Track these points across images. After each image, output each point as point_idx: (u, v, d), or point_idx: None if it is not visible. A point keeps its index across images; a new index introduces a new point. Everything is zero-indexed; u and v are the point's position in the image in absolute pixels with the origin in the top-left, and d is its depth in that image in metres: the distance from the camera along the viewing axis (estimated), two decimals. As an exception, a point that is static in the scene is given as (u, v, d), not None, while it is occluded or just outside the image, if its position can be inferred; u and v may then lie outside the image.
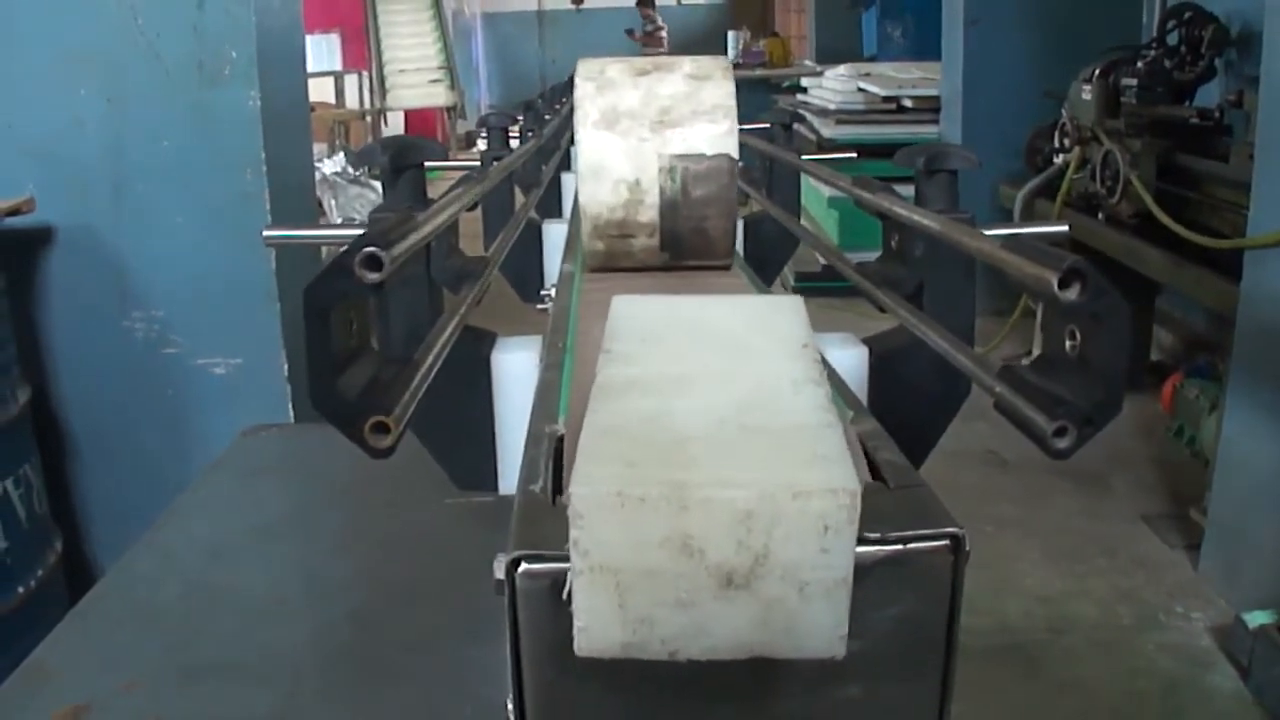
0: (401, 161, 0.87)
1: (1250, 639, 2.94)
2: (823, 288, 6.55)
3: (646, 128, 1.08)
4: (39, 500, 2.78)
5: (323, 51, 12.47)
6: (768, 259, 1.52)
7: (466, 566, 0.51)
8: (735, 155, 1.09)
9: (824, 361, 0.74)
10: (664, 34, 16.06)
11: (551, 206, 1.95)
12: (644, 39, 15.84)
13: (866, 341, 0.86)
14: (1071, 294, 0.55)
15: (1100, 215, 4.58)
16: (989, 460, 4.41)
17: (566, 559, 0.49)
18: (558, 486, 0.58)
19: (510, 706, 0.54)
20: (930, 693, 0.54)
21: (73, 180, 2.99)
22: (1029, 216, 5.19)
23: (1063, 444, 0.57)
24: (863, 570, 0.51)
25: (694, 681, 0.51)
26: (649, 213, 1.08)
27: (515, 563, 0.51)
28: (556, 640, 0.51)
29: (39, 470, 2.82)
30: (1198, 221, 3.91)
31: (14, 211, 2.82)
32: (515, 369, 0.83)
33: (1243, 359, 3.31)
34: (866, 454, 0.59)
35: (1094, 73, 4.64)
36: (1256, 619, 2.97)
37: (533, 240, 1.50)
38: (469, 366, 0.84)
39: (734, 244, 1.11)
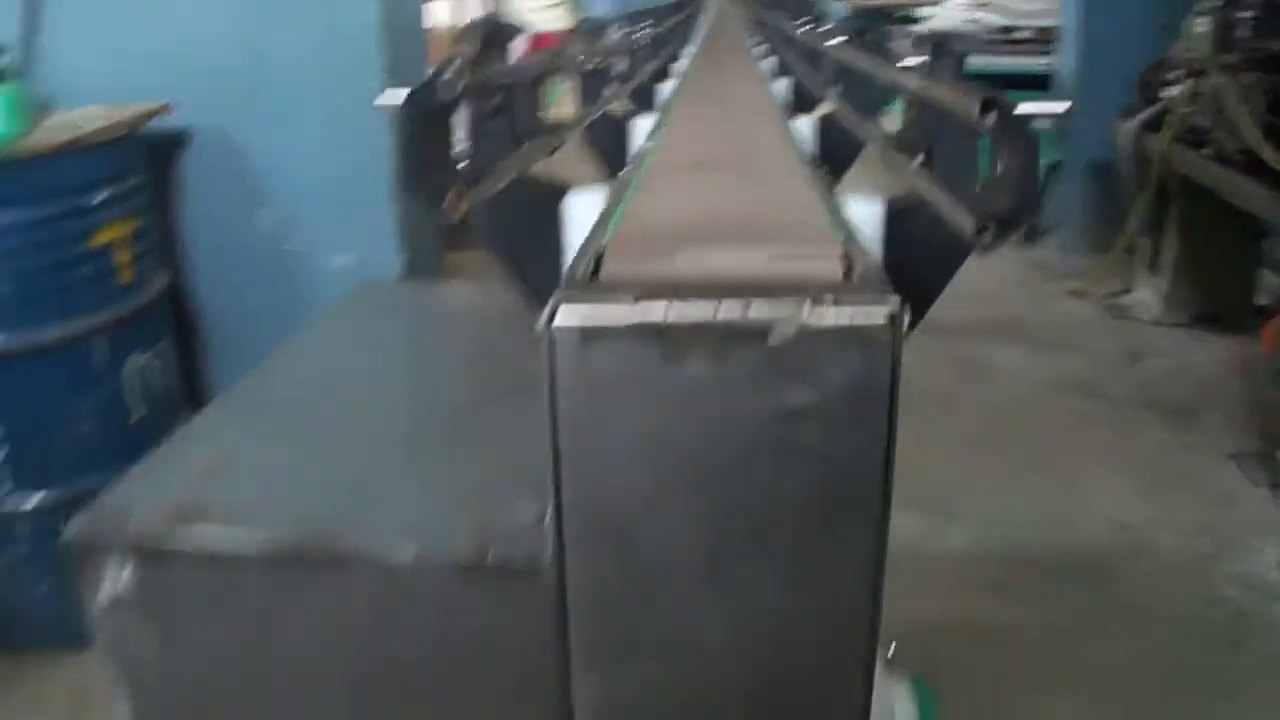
0: (491, 39, 1.02)
1: (1322, 575, 3.00)
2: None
3: None
4: (172, 375, 3.02)
5: (443, -24, 12.64)
6: (840, 157, 1.64)
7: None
8: None
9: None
10: None
11: (647, 105, 2.06)
12: None
13: (885, 199, 0.99)
14: (989, 120, 0.68)
15: (1208, 150, 4.57)
16: (1085, 390, 4.47)
17: (595, 310, 0.65)
18: (597, 273, 0.73)
19: (548, 439, 0.69)
20: (877, 439, 0.68)
21: (209, 86, 3.21)
22: (1138, 150, 5.18)
23: (984, 241, 0.70)
24: (820, 334, 0.65)
25: (704, 397, 0.66)
26: None
27: (554, 311, 0.66)
28: (584, 374, 0.66)
29: (174, 349, 3.06)
30: (1307, 160, 3.90)
31: (155, 114, 3.04)
32: (585, 212, 0.99)
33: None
34: (847, 259, 0.73)
35: (1210, 6, 4.62)
36: (1328, 555, 3.03)
37: (620, 131, 1.65)
38: (546, 210, 1.00)
39: None
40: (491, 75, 0.76)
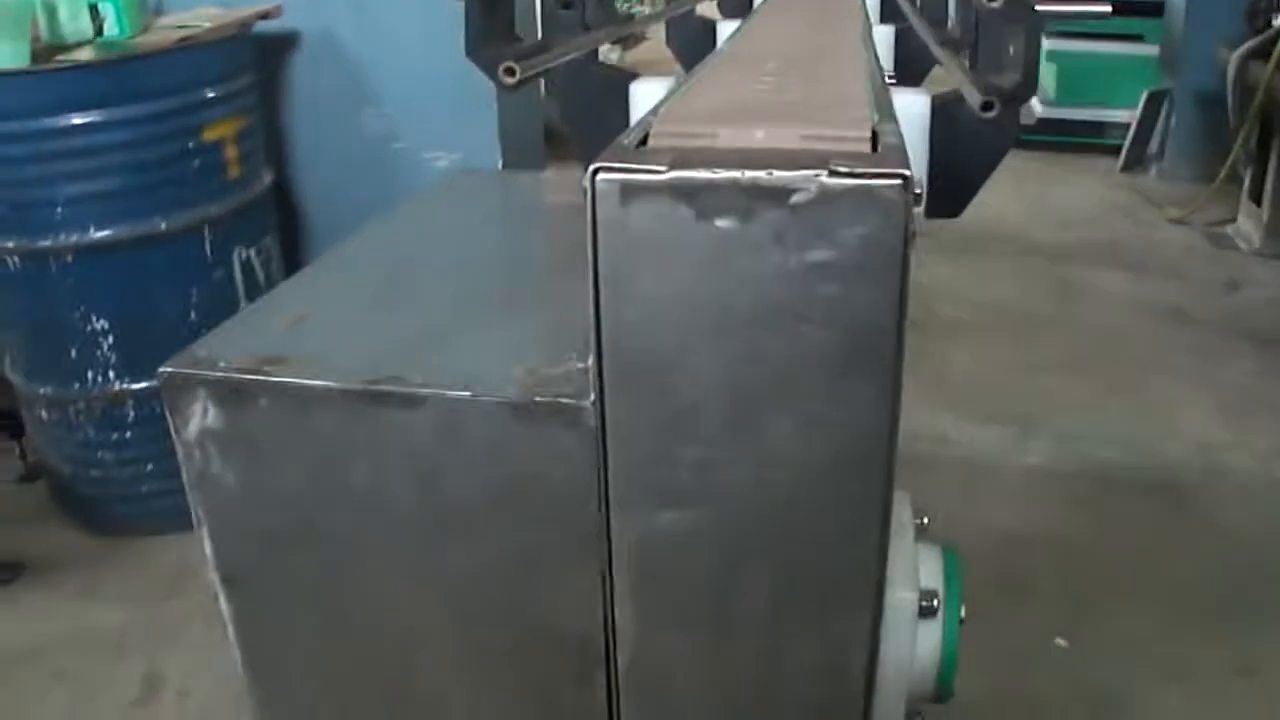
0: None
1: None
2: (1035, 141, 6.56)
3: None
4: (276, 270, 3.15)
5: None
6: (913, 65, 1.69)
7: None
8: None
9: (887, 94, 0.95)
10: None
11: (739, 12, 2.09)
12: None
13: (932, 95, 1.05)
14: (996, 3, 0.73)
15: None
16: (1175, 316, 4.46)
17: (632, 174, 0.72)
18: (643, 144, 0.81)
19: (590, 291, 0.77)
20: (890, 295, 0.75)
21: (317, -10, 3.30)
22: (1243, 79, 5.10)
23: (990, 114, 0.76)
24: (837, 194, 0.72)
25: (731, 253, 0.74)
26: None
27: (596, 173, 0.73)
28: (623, 231, 0.74)
29: (278, 245, 3.18)
30: None
31: (264, 16, 3.14)
32: (649, 96, 1.06)
33: None
34: (874, 138, 0.79)
35: (1326, -67, 4.52)
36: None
37: (709, 35, 1.71)
38: (615, 95, 1.07)
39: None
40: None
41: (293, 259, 3.38)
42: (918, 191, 0.73)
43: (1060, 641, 2.58)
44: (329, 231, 3.51)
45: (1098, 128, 6.70)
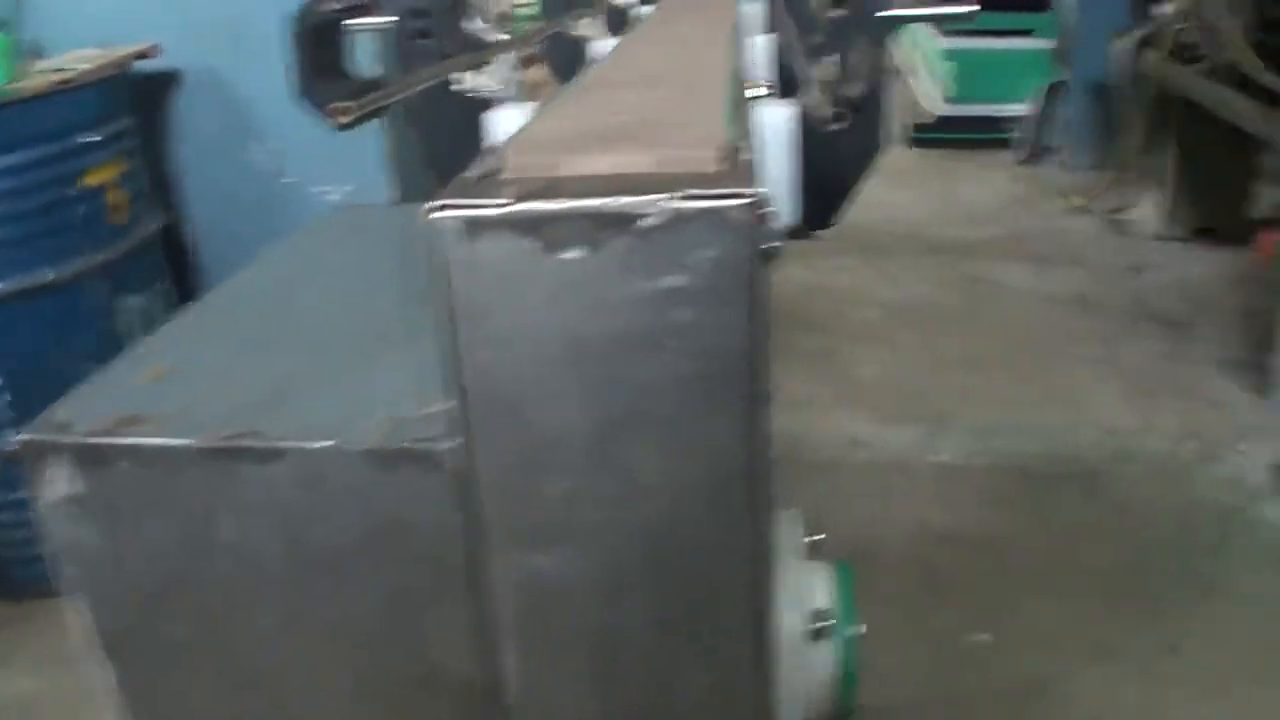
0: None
1: (1302, 472, 3.05)
2: (937, 139, 6.63)
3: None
4: (170, 315, 3.07)
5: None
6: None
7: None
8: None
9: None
10: None
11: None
12: None
13: (796, 105, 1.04)
14: (839, 12, 0.72)
15: (1201, 67, 4.57)
16: (1083, 304, 4.51)
17: (475, 208, 0.70)
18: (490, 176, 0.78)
19: (443, 331, 0.75)
20: (743, 317, 0.73)
21: (195, 26, 3.24)
22: (1134, 68, 5.18)
23: (838, 126, 0.74)
24: (685, 218, 0.70)
25: (581, 283, 0.71)
26: None
27: (437, 209, 0.71)
28: (470, 267, 0.72)
29: (169, 289, 3.12)
30: (1297, 73, 3.90)
31: (141, 56, 3.08)
32: (507, 124, 1.04)
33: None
34: (728, 156, 0.78)
35: (1201, -78, 4.60)
36: (1311, 454, 3.07)
37: (580, 53, 1.69)
38: (470, 121, 1.05)
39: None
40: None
41: (188, 303, 3.31)
42: (770, 210, 0.71)
43: (982, 636, 2.59)
44: (223, 272, 3.40)
45: (997, 122, 6.79)
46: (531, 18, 1.51)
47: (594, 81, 1.15)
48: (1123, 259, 5.02)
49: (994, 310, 4.52)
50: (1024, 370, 3.96)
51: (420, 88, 0.88)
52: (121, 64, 2.96)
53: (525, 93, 1.20)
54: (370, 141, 3.24)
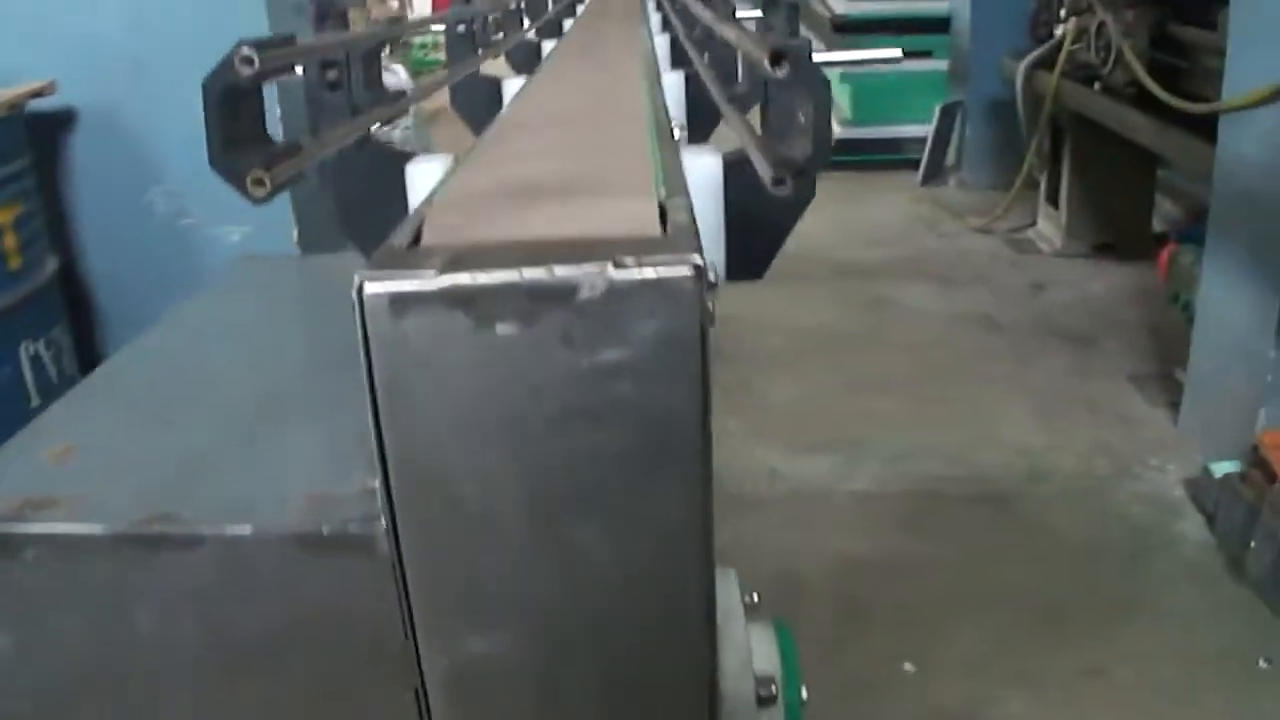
0: (325, 10, 1.03)
1: (1216, 487, 3.09)
2: (837, 162, 6.68)
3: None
4: (68, 361, 2.99)
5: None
6: (704, 114, 1.66)
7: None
8: None
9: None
10: None
11: (529, 67, 2.05)
12: None
13: (724, 154, 1.01)
14: (781, 72, 0.69)
15: (1096, 85, 4.66)
16: (986, 324, 4.55)
17: (401, 281, 0.67)
18: (416, 243, 0.75)
19: (369, 410, 0.71)
20: (690, 391, 0.70)
21: (92, 63, 3.16)
22: (1031, 88, 5.27)
23: (782, 192, 0.72)
24: (627, 289, 0.67)
25: (516, 359, 0.68)
26: None
27: (363, 284, 0.67)
28: (397, 344, 0.68)
29: (68, 334, 3.03)
30: (1189, 90, 3.98)
31: (37, 94, 2.99)
32: (426, 179, 1.00)
33: (1220, 220, 3.43)
34: (662, 214, 0.75)
35: (1093, -57, 4.69)
36: (1223, 468, 3.12)
37: (495, 93, 1.66)
38: (389, 179, 1.01)
39: None
40: (308, 46, 0.77)
41: (87, 349, 3.22)
42: (712, 279, 0.68)
43: (906, 666, 2.58)
44: (123, 317, 3.36)
45: (896, 144, 6.87)
46: (438, 62, 1.48)
47: (510, 127, 1.12)
48: (1025, 277, 5.09)
49: (902, 332, 4.55)
50: (934, 392, 3.99)
51: (332, 151, 0.84)
52: (16, 102, 2.87)
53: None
54: (272, 180, 3.17)
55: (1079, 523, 3.17)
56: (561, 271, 0.67)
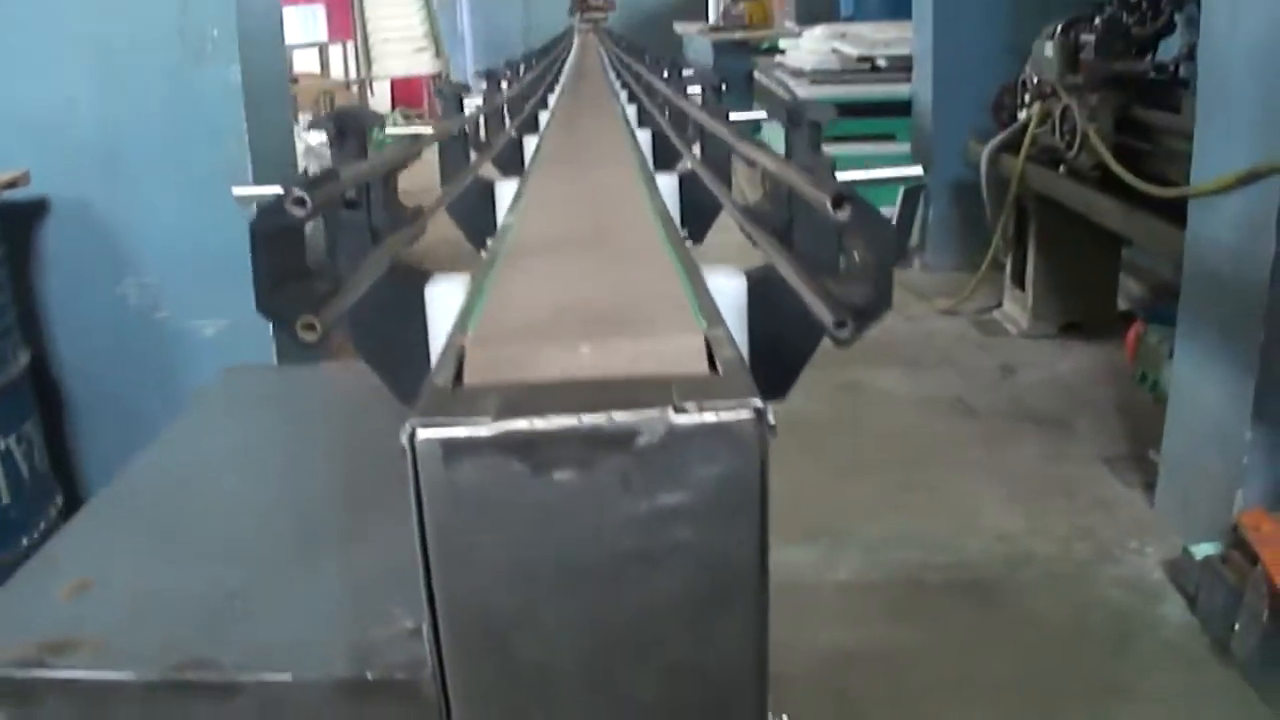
0: (345, 127, 1.02)
1: (1197, 570, 3.09)
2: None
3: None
4: (40, 457, 2.94)
5: (308, 22, 12.46)
6: (700, 214, 1.66)
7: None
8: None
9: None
10: None
11: (514, 167, 2.05)
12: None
13: (746, 272, 1.00)
14: (843, 215, 0.69)
15: (1061, 168, 4.72)
16: (957, 408, 4.56)
17: (455, 428, 0.65)
18: (459, 380, 0.73)
19: (418, 555, 0.69)
20: (749, 533, 0.68)
21: (66, 154, 3.15)
22: (996, 170, 5.33)
23: (843, 335, 0.71)
24: (688, 434, 0.66)
25: (573, 505, 0.66)
26: None
27: (414, 431, 0.65)
28: (449, 491, 0.66)
29: (39, 429, 2.98)
30: (1154, 173, 4.03)
31: (10, 184, 2.97)
32: (446, 300, 0.99)
33: (1190, 303, 3.46)
34: (709, 351, 0.74)
35: (1056, 29, 4.77)
36: (1203, 550, 3.12)
37: (487, 196, 1.65)
38: (407, 300, 0.99)
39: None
40: (346, 179, 0.76)
41: (57, 444, 3.17)
42: (771, 421, 0.67)
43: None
44: (95, 411, 3.31)
45: (861, 225, 6.91)
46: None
47: (522, 245, 1.10)
48: (994, 359, 5.11)
49: (875, 417, 4.55)
50: (911, 478, 3.98)
51: (373, 277, 0.82)
52: (-12, 195, 2.85)
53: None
54: (248, 274, 3.14)
55: (1061, 608, 3.16)
56: (621, 417, 0.66)
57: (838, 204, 0.68)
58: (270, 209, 0.66)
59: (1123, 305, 5.44)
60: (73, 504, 3.17)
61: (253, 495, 1.11)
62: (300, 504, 1.09)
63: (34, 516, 2.81)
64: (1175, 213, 3.60)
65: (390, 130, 1.22)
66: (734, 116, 1.71)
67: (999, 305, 5.68)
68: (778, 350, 1.00)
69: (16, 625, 0.88)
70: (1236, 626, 2.85)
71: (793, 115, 1.01)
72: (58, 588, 0.93)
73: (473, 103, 2.03)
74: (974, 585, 3.29)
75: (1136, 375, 4.47)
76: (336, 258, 0.92)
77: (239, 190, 1.11)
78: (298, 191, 0.66)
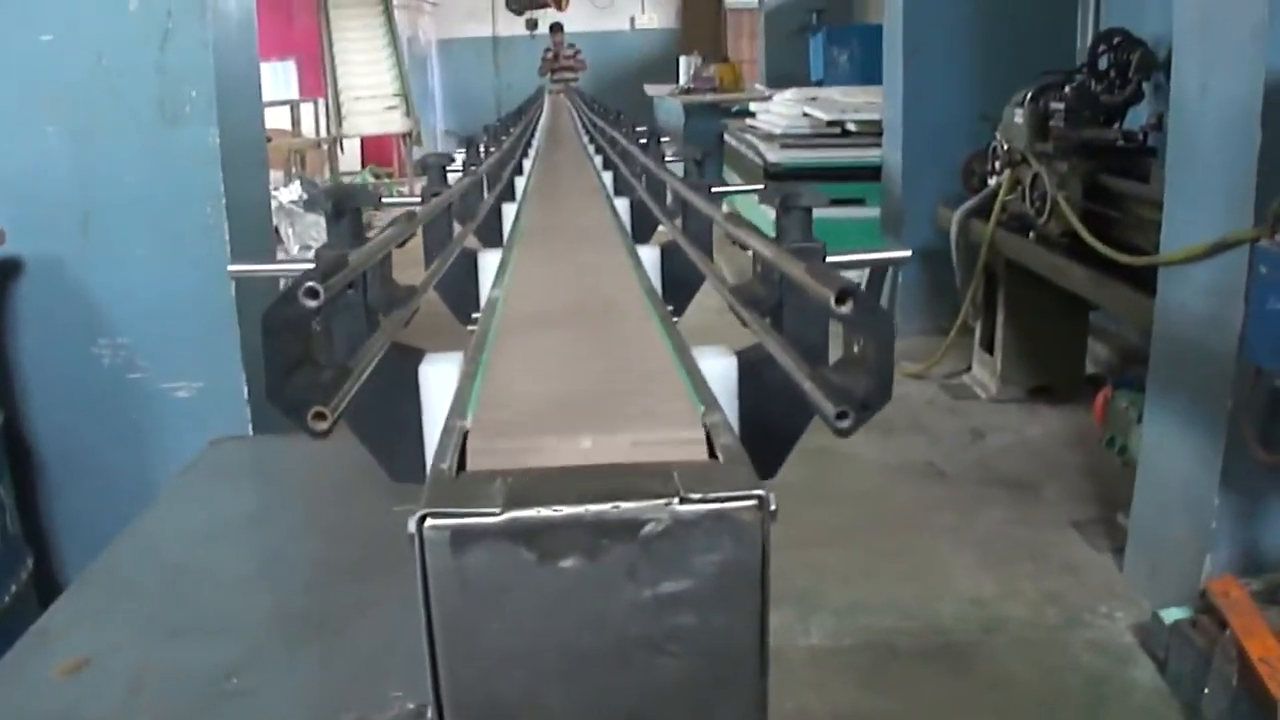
0: (341, 206, 1.03)
1: (1166, 634, 3.11)
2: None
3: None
4: (11, 520, 2.92)
5: (279, 80, 12.49)
6: (680, 287, 1.68)
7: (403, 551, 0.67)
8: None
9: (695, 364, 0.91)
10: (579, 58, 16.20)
11: (493, 236, 2.07)
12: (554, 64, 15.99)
13: (737, 353, 1.02)
14: (845, 309, 0.70)
15: (1031, 235, 4.78)
16: (927, 472, 4.59)
17: (464, 517, 0.66)
18: (462, 466, 0.74)
19: (424, 641, 0.69)
20: (751, 619, 0.70)
21: (41, 214, 3.14)
22: (965, 236, 5.39)
23: (844, 425, 0.72)
24: (690, 523, 0.67)
25: (578, 593, 0.67)
26: None
27: (423, 519, 0.66)
28: (457, 579, 0.67)
29: (11, 492, 2.95)
30: (1123, 240, 4.09)
31: (-17, 243, 2.96)
32: (440, 380, 1.00)
33: (1159, 370, 3.50)
34: (708, 438, 0.75)
35: (1025, 97, 4.84)
36: (1172, 615, 3.14)
37: (470, 268, 1.66)
38: (400, 378, 1.00)
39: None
40: (355, 265, 0.77)
41: (29, 506, 3.14)
42: (773, 508, 0.68)
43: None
44: (67, 473, 3.29)
45: (829, 289, 6.96)
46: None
47: (512, 324, 1.12)
48: (963, 423, 5.14)
49: (845, 482, 4.56)
50: (882, 543, 3.99)
51: (375, 362, 0.84)
52: (-40, 256, 2.84)
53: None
54: (223, 337, 3.15)
55: (1033, 673, 3.17)
56: (627, 507, 0.67)
57: (841, 299, 0.69)
58: (282, 300, 0.68)
59: (1090, 369, 5.49)
60: (44, 567, 3.14)
61: (244, 569, 1.11)
62: (291, 578, 1.09)
63: (5, 579, 2.78)
64: (1144, 280, 3.65)
65: (386, 200, 1.24)
66: (721, 190, 1.73)
67: (968, 369, 5.72)
68: (768, 430, 1.01)
69: (12, 704, 0.88)
70: (1206, 690, 2.87)
71: (786, 201, 1.03)
72: (53, 664, 0.93)
73: (452, 176, 2.05)
74: (946, 650, 3.30)
75: (1105, 439, 4.50)
76: (333, 339, 0.93)
77: (234, 267, 1.12)
78: (311, 283, 0.67)
